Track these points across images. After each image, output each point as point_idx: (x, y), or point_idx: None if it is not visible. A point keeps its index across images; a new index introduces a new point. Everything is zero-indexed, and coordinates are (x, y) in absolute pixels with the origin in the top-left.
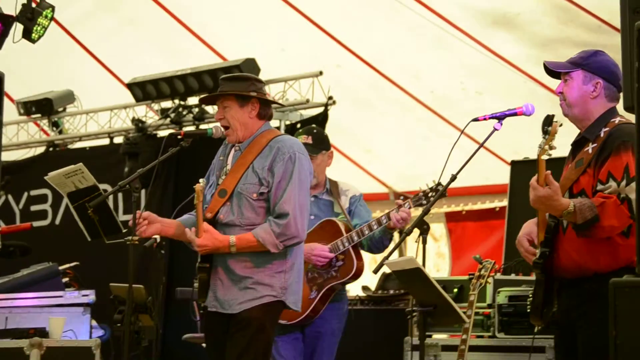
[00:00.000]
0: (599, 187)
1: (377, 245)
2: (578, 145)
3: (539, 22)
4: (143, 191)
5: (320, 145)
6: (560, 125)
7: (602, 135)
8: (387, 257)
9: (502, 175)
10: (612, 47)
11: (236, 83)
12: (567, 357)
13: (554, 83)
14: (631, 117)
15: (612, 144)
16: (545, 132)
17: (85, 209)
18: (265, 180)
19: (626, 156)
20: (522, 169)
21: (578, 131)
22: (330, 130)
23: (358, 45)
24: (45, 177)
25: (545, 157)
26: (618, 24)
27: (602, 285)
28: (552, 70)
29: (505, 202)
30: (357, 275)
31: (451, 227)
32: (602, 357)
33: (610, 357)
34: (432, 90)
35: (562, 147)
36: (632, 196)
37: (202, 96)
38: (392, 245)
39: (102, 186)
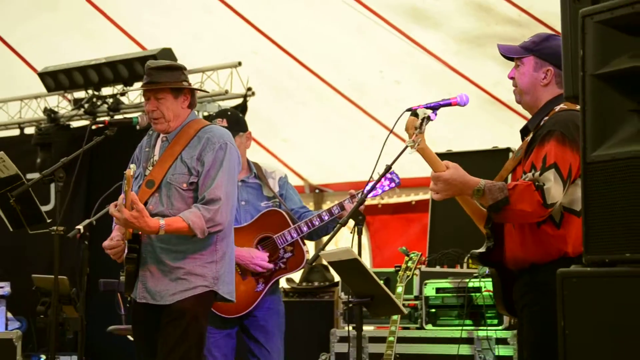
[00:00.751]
0: (522, 178)
1: (321, 233)
2: (524, 133)
3: (458, 13)
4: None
5: (236, 127)
6: (428, 119)
7: (540, 124)
8: (322, 248)
9: (419, 168)
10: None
11: (168, 73)
12: (522, 349)
13: (473, 74)
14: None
15: (541, 134)
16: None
17: (7, 198)
18: (195, 169)
19: (548, 145)
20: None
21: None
22: (247, 118)
23: (276, 32)
24: None
25: (412, 149)
26: (536, 14)
27: (537, 277)
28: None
29: (420, 196)
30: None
31: (369, 220)
32: (538, 348)
33: (559, 346)
34: (349, 79)
35: None
36: (547, 185)
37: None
38: (325, 237)
39: None
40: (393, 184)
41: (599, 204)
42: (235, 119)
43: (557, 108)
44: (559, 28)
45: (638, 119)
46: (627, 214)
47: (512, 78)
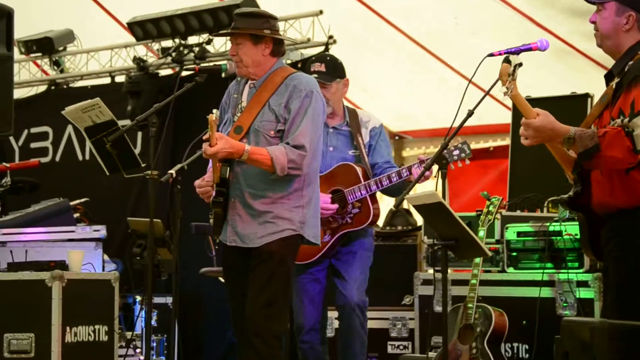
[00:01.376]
0: (611, 124)
1: (393, 194)
2: (608, 79)
3: None
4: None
5: (334, 73)
6: (520, 65)
7: (625, 69)
8: (407, 192)
9: (495, 116)
10: None
11: (250, 19)
12: (607, 291)
13: (548, 22)
14: None
15: (627, 79)
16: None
17: (103, 143)
18: (282, 117)
19: (635, 91)
20: None
21: None
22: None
23: None
24: (63, 112)
25: (507, 94)
26: None
27: (624, 222)
28: None
29: (498, 142)
30: (373, 222)
31: None
32: (623, 287)
33: None
34: (425, 28)
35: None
36: (637, 131)
37: (215, 33)
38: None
39: None
40: (463, 155)
41: None
42: (333, 65)
43: None
44: None
45: None
46: None
47: (593, 22)
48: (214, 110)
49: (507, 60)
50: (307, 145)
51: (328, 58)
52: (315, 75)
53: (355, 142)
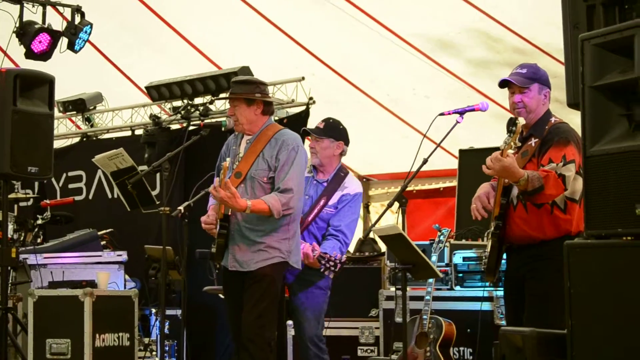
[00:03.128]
0: (543, 168)
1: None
2: (524, 139)
3: (474, 44)
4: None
5: (329, 132)
6: (523, 124)
7: (544, 132)
8: (373, 225)
9: (445, 162)
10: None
11: (244, 85)
12: (515, 303)
13: (487, 88)
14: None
15: (552, 139)
16: (510, 131)
17: (125, 185)
18: (273, 166)
19: (565, 149)
20: (468, 154)
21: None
22: (308, 127)
23: (329, 57)
24: (93, 160)
25: (510, 151)
26: (541, 46)
27: (546, 249)
28: (505, 82)
29: (447, 184)
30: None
31: None
32: (544, 301)
33: (565, 303)
34: (388, 94)
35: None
36: (567, 174)
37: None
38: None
39: None
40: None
41: (596, 189)
42: (332, 126)
43: (553, 120)
44: (556, 55)
45: (626, 122)
46: (618, 197)
47: (520, 102)
48: (227, 158)
49: (514, 121)
50: (294, 188)
51: (330, 120)
52: (315, 129)
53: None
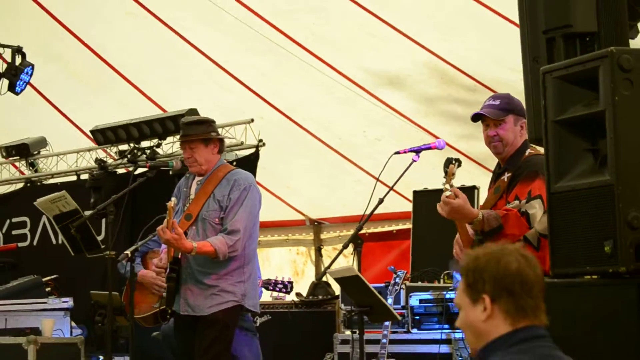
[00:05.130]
0: (507, 206)
1: None
2: (499, 175)
3: (425, 82)
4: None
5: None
6: (459, 166)
7: (517, 165)
8: (328, 267)
9: (398, 205)
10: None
11: (199, 126)
12: None
13: (438, 131)
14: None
15: (522, 173)
16: (445, 172)
17: (69, 229)
18: (225, 206)
19: (531, 184)
20: (422, 196)
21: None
22: (258, 170)
23: (277, 100)
24: (35, 203)
25: (447, 193)
26: (490, 85)
27: None
28: (477, 116)
29: (400, 226)
30: None
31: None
32: None
33: None
34: (340, 138)
35: None
36: (532, 211)
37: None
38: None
39: None
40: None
41: (562, 226)
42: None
43: (527, 153)
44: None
45: (591, 157)
46: (585, 234)
47: (495, 135)
48: (173, 198)
49: (450, 162)
50: (241, 229)
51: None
52: None
53: None
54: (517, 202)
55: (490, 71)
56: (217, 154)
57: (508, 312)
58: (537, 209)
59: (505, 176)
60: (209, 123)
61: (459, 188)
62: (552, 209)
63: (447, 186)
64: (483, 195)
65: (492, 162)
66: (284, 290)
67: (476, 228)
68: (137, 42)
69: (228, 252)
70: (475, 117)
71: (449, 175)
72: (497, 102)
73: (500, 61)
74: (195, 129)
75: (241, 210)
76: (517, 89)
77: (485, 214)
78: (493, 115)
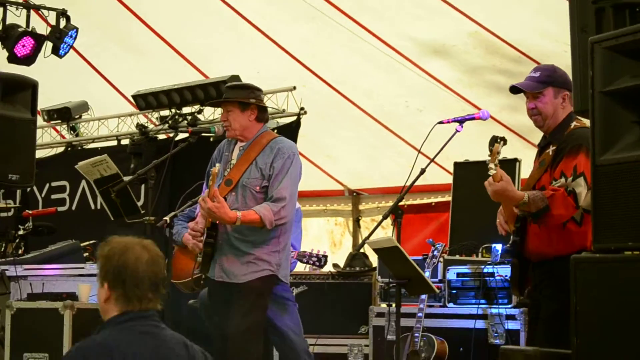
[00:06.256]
0: (553, 183)
1: None
2: (543, 147)
3: (469, 53)
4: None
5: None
6: (504, 144)
7: (561, 139)
8: (367, 238)
9: (437, 177)
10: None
11: (238, 91)
12: (534, 322)
13: (480, 102)
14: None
15: (566, 147)
16: (490, 151)
17: (109, 193)
18: (267, 174)
19: (577, 158)
20: (463, 168)
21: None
22: (298, 138)
23: (321, 68)
24: (76, 166)
25: (492, 171)
26: (535, 57)
27: (558, 266)
28: (515, 89)
29: (439, 199)
30: None
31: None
32: (554, 321)
33: (571, 319)
34: (380, 107)
35: None
36: (578, 190)
37: (210, 101)
38: (367, 231)
39: None
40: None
41: (606, 200)
42: None
43: (573, 125)
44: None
45: (638, 129)
46: (629, 209)
47: (533, 108)
48: (217, 164)
49: (495, 140)
50: (287, 197)
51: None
52: None
53: None
54: (563, 180)
55: (535, 43)
56: (255, 122)
57: (118, 298)
58: (582, 187)
59: (550, 149)
60: (251, 89)
61: (499, 161)
62: (597, 182)
63: (492, 165)
64: (524, 169)
65: (534, 134)
66: (318, 264)
67: (524, 209)
68: (181, 8)
69: (275, 219)
70: (514, 89)
71: (493, 154)
72: (537, 74)
73: (545, 32)
74: (235, 93)
75: (286, 178)
76: (560, 61)
77: (531, 195)
78: (529, 87)
